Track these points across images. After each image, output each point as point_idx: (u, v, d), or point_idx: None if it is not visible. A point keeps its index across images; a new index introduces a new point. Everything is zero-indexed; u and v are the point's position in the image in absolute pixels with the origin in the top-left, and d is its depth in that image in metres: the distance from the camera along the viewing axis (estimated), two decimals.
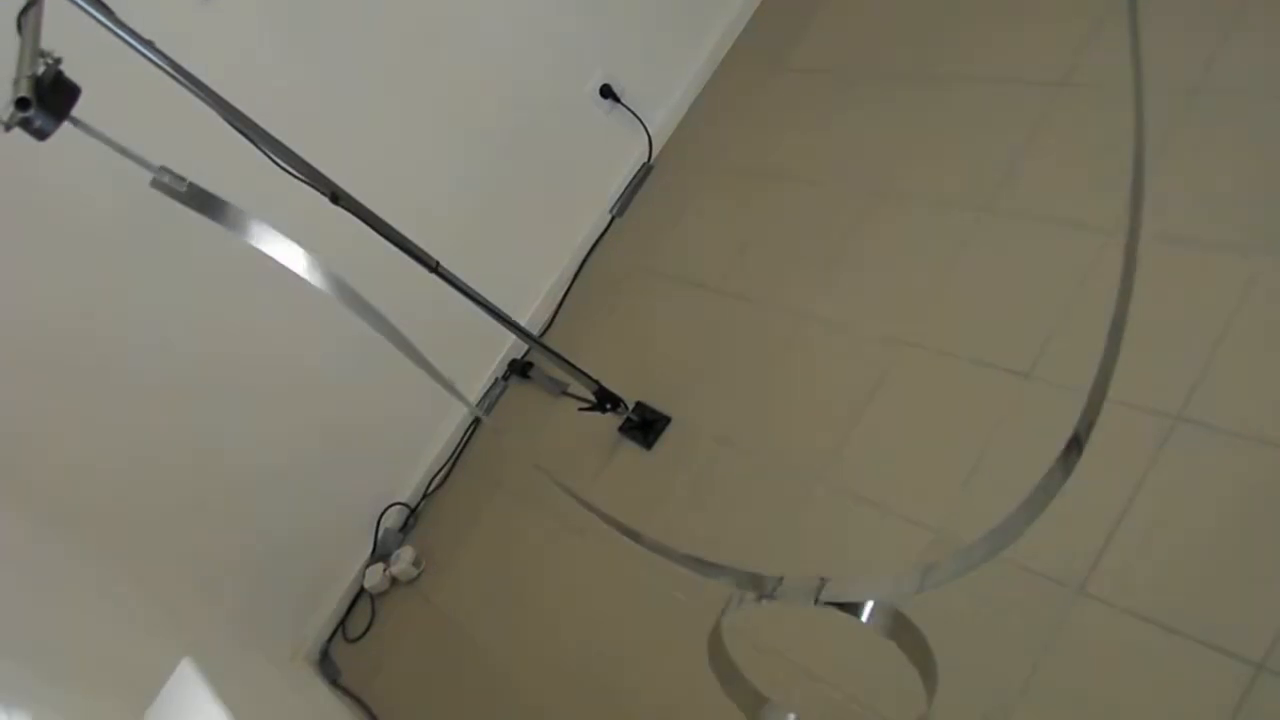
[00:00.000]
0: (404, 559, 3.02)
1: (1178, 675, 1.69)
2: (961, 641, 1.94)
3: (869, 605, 0.99)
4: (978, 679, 1.87)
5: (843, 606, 0.99)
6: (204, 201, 1.50)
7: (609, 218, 3.41)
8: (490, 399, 3.27)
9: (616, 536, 2.60)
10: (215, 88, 1.75)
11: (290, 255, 1.52)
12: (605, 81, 3.25)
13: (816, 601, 0.98)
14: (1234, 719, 1.60)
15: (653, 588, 2.45)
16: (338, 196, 1.94)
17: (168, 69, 1.68)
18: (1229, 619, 1.68)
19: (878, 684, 1.97)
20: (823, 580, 1.00)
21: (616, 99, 3.28)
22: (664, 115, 3.44)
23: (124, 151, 1.46)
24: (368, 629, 3.04)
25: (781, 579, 1.04)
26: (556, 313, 3.34)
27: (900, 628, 0.99)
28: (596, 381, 2.67)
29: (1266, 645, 1.62)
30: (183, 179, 1.45)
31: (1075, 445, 0.84)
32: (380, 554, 3.13)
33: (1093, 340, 2.20)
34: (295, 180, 1.92)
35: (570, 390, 3.00)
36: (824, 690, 2.04)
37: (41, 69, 1.39)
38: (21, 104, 1.34)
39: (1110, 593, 1.81)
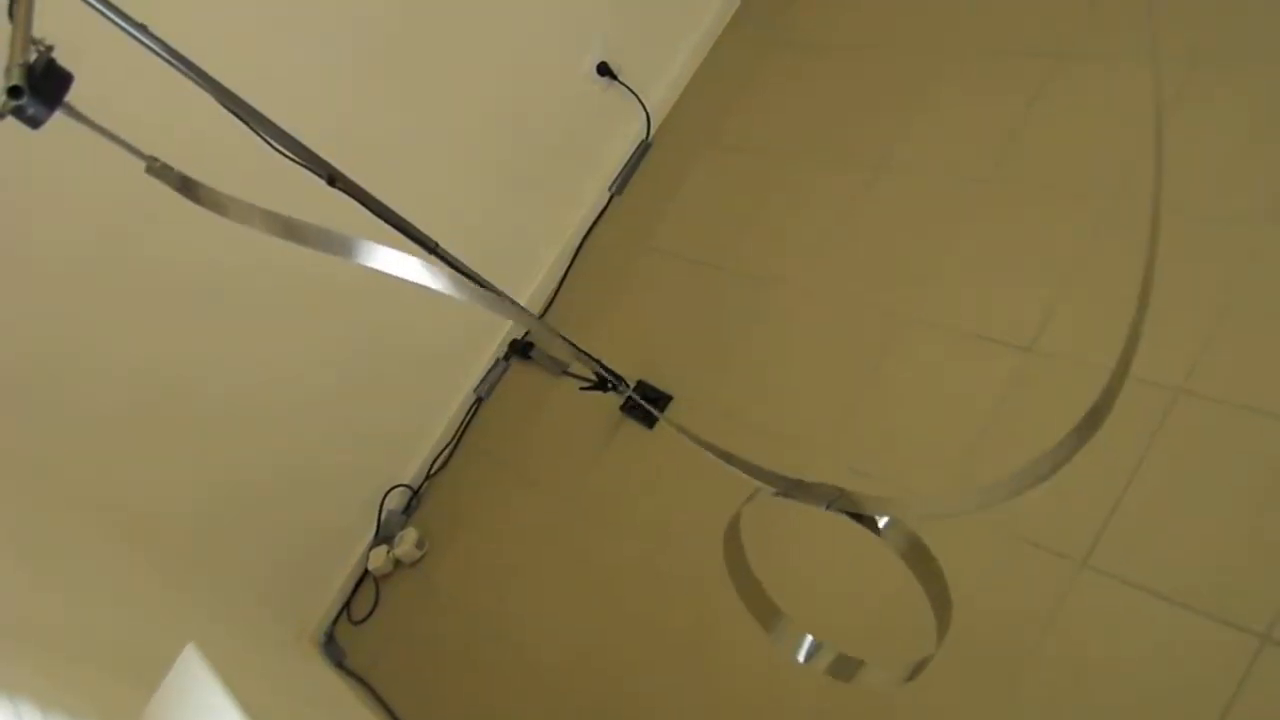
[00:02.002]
0: (407, 541, 3.02)
1: (1183, 648, 1.69)
2: (966, 615, 1.94)
3: (884, 520, 0.98)
4: (982, 653, 1.87)
5: (857, 518, 0.99)
6: (199, 190, 1.49)
7: (608, 196, 3.39)
8: (491, 380, 3.26)
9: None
10: (209, 71, 1.74)
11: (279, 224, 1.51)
12: (602, 59, 3.23)
13: (829, 507, 0.97)
14: (1239, 691, 1.60)
15: (655, 560, 2.45)
16: (334, 179, 1.94)
17: (162, 53, 1.67)
18: (1234, 591, 1.68)
19: (896, 619, 1.98)
20: (841, 491, 1.00)
21: (614, 77, 3.26)
22: (662, 92, 3.42)
23: (117, 140, 1.45)
24: (372, 611, 3.05)
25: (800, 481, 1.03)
26: (557, 292, 3.33)
27: (916, 553, 0.98)
28: (597, 361, 2.66)
29: (1271, 617, 1.63)
30: (171, 168, 1.44)
31: (1094, 418, 0.83)
32: (383, 536, 3.13)
33: (1094, 314, 2.20)
34: (291, 163, 1.91)
35: (571, 370, 2.99)
36: (842, 617, 2.05)
37: (34, 56, 1.38)
38: (14, 92, 1.33)
39: (1115, 566, 1.81)
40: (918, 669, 1.01)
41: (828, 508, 0.98)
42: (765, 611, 1.11)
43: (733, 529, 1.10)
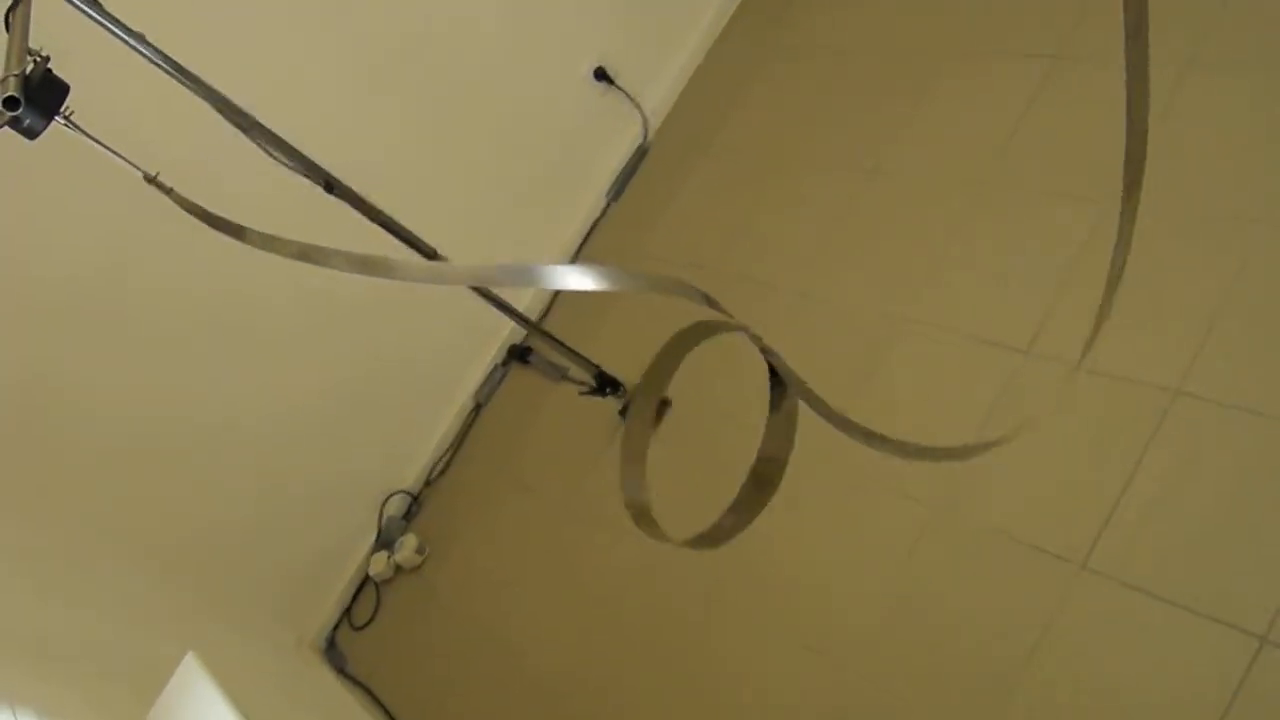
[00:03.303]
0: (407, 546, 3.02)
1: (1182, 649, 1.69)
2: (965, 619, 1.95)
3: (791, 386, 0.99)
4: (981, 656, 1.87)
5: (772, 373, 0.99)
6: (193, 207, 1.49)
7: (605, 202, 3.40)
8: (490, 385, 3.26)
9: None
10: (207, 80, 1.74)
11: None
12: (599, 64, 3.23)
13: (764, 353, 0.98)
14: (1238, 691, 1.60)
15: (653, 566, 2.45)
16: (332, 186, 1.94)
17: (159, 62, 1.67)
18: (1232, 592, 1.69)
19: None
20: (776, 354, 1.00)
21: (611, 82, 3.27)
22: (659, 97, 3.42)
23: (113, 151, 1.45)
24: (373, 617, 3.05)
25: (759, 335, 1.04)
26: (555, 297, 3.33)
27: (785, 425, 0.99)
28: (596, 365, 2.67)
29: (1270, 618, 1.63)
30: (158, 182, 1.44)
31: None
32: (384, 542, 3.13)
33: (1091, 316, 2.19)
34: (289, 171, 1.91)
35: (570, 375, 2.99)
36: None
37: (30, 67, 1.38)
38: (10, 103, 1.33)
39: (1113, 568, 1.82)
40: (701, 540, 1.03)
41: (762, 352, 0.99)
42: (634, 463, 1.10)
43: (666, 356, 1.08)
